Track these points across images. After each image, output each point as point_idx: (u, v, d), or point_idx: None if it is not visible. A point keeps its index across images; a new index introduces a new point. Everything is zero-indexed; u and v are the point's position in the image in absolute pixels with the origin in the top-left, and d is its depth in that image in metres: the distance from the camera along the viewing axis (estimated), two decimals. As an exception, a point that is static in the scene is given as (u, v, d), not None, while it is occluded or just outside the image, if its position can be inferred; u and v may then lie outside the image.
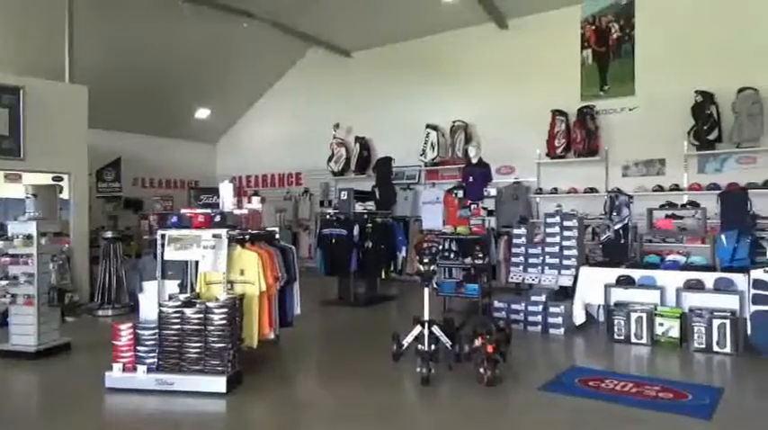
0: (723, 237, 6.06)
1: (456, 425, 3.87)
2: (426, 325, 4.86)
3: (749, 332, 5.41)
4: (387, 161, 10.96)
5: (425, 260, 5.02)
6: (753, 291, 5.40)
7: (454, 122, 10.61)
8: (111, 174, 11.49)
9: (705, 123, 8.22)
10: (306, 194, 12.84)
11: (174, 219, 4.85)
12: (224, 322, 4.35)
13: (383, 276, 8.69)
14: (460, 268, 7.61)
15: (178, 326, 4.39)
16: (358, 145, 11.89)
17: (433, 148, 10.69)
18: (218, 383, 4.29)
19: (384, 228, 8.68)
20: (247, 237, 5.16)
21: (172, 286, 4.73)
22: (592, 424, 3.83)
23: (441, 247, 7.52)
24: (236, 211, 5.25)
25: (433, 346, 4.81)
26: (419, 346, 4.80)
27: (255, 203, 5.78)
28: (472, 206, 7.84)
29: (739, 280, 5.64)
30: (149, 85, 11.39)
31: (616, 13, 9.36)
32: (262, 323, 4.97)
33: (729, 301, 5.63)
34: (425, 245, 5.28)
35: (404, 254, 8.95)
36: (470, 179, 9.03)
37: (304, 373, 5.22)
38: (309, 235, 12.26)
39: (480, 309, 7.12)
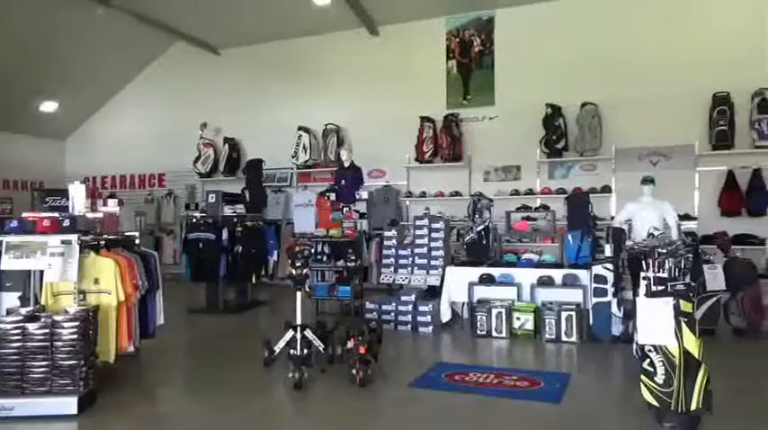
0: (569, 236, 6.71)
1: (328, 426, 3.87)
2: (298, 329, 4.81)
3: (591, 322, 6.04)
4: (257, 163, 10.70)
5: (298, 263, 4.96)
6: (594, 285, 6.03)
7: (327, 125, 10.64)
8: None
9: (554, 134, 9.04)
10: (170, 197, 12.12)
11: (14, 223, 4.33)
12: (75, 337, 3.95)
13: (254, 281, 8.45)
14: (333, 271, 7.63)
15: (19, 344, 3.91)
16: (227, 146, 11.49)
17: (306, 151, 10.63)
18: (69, 405, 3.89)
19: (255, 231, 8.46)
20: (102, 242, 4.75)
21: (11, 299, 4.21)
22: (458, 415, 4.03)
23: (313, 250, 7.49)
24: (90, 215, 4.81)
25: (305, 350, 4.77)
26: (291, 351, 4.74)
27: (112, 206, 5.32)
28: (344, 209, 7.90)
29: (583, 275, 6.27)
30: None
31: (477, 27, 9.98)
32: (120, 335, 4.60)
33: (575, 295, 6.24)
34: (297, 248, 5.20)
35: (275, 258, 8.79)
36: (342, 182, 9.10)
37: (167, 386, 4.90)
38: (174, 240, 11.60)
39: (353, 310, 7.19)
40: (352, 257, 7.21)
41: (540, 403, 4.21)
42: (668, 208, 6.43)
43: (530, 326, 6.24)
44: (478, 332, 6.36)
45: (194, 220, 8.34)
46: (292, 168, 11.02)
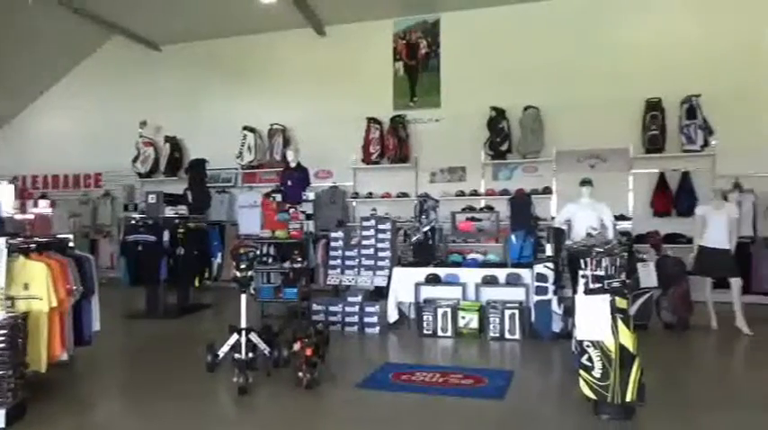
0: (513, 236, 6.89)
1: (275, 432, 3.82)
2: (243, 332, 4.72)
3: (533, 319, 6.21)
4: (200, 163, 10.43)
5: (242, 265, 4.87)
6: (535, 284, 6.20)
7: (272, 125, 10.49)
8: None
9: (498, 136, 9.24)
10: (107, 197, 11.64)
11: (-68, 226, 4.05)
12: (2, 346, 3.73)
13: (197, 284, 8.23)
14: (279, 272, 7.53)
15: (-63, 355, 3.66)
16: (168, 145, 11.15)
17: (251, 151, 10.45)
18: (-5, 418, 3.67)
19: (197, 233, 8.25)
20: (33, 245, 4.50)
21: (-72, 307, 3.93)
22: (404, 415, 4.06)
23: (258, 252, 7.37)
24: (19, 216, 4.56)
25: (250, 354, 4.68)
26: (236, 355, 4.64)
27: (43, 207, 5.08)
28: (290, 210, 7.81)
29: (525, 274, 6.43)
30: None
31: (424, 30, 10.09)
32: (52, 343, 4.37)
33: (518, 293, 6.40)
34: (242, 250, 5.10)
35: (219, 260, 8.61)
36: (289, 183, 8.99)
37: (103, 396, 4.70)
38: (111, 242, 11.15)
39: (299, 312, 7.12)
40: (299, 259, 7.14)
41: (484, 400, 4.29)
42: (605, 209, 6.70)
43: (474, 324, 6.35)
44: (425, 332, 6.43)
45: (133, 222, 8.05)
46: (237, 168, 10.81)
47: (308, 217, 8.72)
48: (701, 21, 8.67)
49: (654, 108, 8.57)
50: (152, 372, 5.22)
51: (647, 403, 3.76)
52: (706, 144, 8.29)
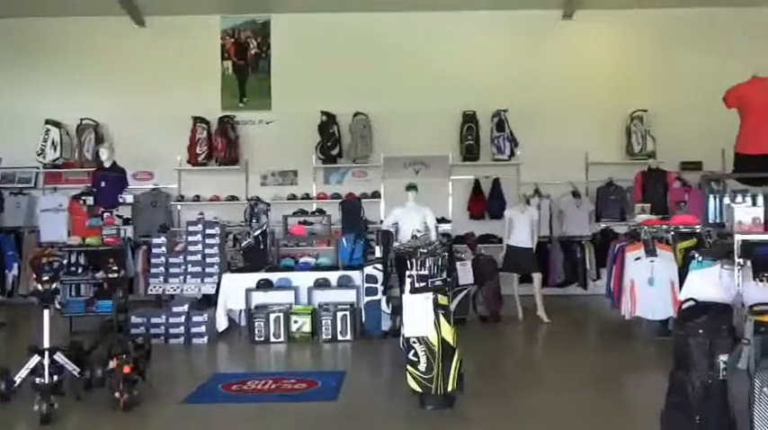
0: (344, 239, 7.06)
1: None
2: (46, 353, 4.17)
3: (364, 320, 6.41)
4: (-10, 160, 9.02)
5: (45, 277, 4.31)
6: (366, 285, 6.42)
7: (82, 120, 9.42)
8: None
9: (329, 140, 9.38)
10: None
11: None
12: None
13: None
14: (91, 284, 6.83)
15: None
16: (-54, 138, 9.46)
17: (55, 148, 9.26)
18: None
19: (-13, 241, 7.13)
20: None
21: None
22: (235, 426, 3.92)
23: (65, 262, 6.59)
24: None
25: (55, 377, 4.15)
26: (38, 379, 4.08)
27: None
28: (105, 214, 7.13)
29: (356, 276, 6.62)
30: None
31: (253, 30, 9.87)
32: None
33: (349, 295, 6.57)
34: (45, 260, 4.52)
35: (15, 272, 7.60)
36: (102, 184, 8.19)
37: None
38: None
39: (116, 326, 6.50)
40: (115, 268, 6.52)
41: (317, 403, 4.33)
42: (428, 212, 7.14)
43: (307, 328, 6.36)
44: (257, 338, 6.28)
45: None
46: (38, 167, 9.51)
47: (126, 222, 8.11)
48: (506, 44, 9.67)
49: (470, 120, 9.37)
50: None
51: (466, 391, 4.09)
52: (512, 154, 9.28)
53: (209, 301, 6.73)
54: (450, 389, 3.98)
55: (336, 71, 9.61)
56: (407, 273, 4.31)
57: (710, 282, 3.23)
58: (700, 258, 3.36)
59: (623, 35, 9.71)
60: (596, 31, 9.69)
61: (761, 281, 2.86)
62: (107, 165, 8.35)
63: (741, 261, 3.04)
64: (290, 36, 9.80)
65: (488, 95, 9.34)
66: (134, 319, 6.36)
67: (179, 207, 9.52)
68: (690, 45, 9.36)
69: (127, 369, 4.13)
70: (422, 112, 9.35)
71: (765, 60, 8.76)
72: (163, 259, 6.89)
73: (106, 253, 6.71)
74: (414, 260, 4.30)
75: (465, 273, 7.13)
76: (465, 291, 7.08)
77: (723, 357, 2.87)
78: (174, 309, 6.45)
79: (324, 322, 6.31)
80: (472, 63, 9.58)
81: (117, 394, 4.06)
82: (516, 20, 9.59)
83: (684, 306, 3.17)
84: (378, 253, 6.61)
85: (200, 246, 6.90)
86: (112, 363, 4.21)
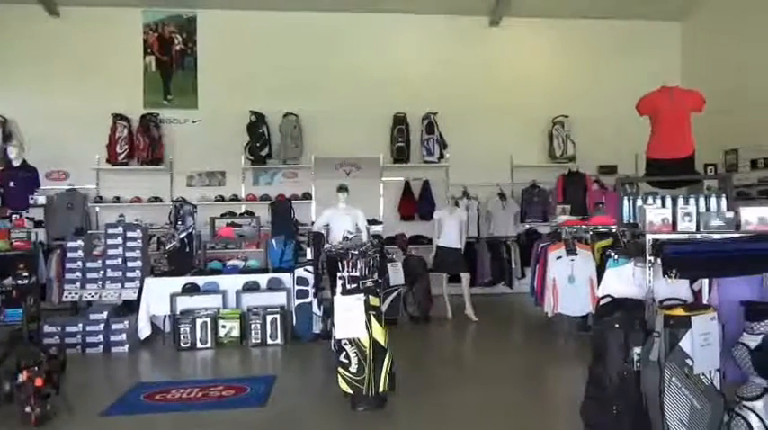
0: (274, 241, 6.94)
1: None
2: (-56, 368, 3.84)
3: (295, 323, 6.32)
4: None
5: (-57, 286, 3.97)
6: (296, 287, 6.34)
7: (-13, 116, 8.78)
8: None
9: (258, 141, 9.20)
10: None
11: None
12: None
13: None
14: (-2, 291, 6.36)
15: None
16: None
17: (-43, 145, 8.58)
18: None
19: None
20: None
21: None
22: (159, 438, 3.76)
23: (-32, 268, 6.12)
24: None
25: (-44, 393, 3.83)
26: (-67, 398, 3.75)
27: None
28: (14, 216, 6.68)
29: (287, 278, 6.53)
30: None
31: (178, 25, 9.52)
32: None
33: (279, 298, 6.46)
34: (-57, 266, 4.17)
35: None
36: (11, 184, 7.67)
37: None
38: None
39: (26, 336, 6.07)
40: (25, 274, 6.19)
41: (246, 409, 4.22)
42: (359, 213, 7.15)
43: (236, 332, 6.22)
44: (182, 345, 6.07)
45: None
46: (-65, 166, 8.77)
47: (38, 224, 7.65)
48: (436, 48, 9.83)
49: (401, 122, 9.46)
50: None
51: (397, 391, 4.12)
52: (442, 156, 9.46)
53: (130, 308, 6.43)
54: (381, 389, 4.00)
55: (266, 70, 9.44)
56: (338, 274, 4.29)
57: (625, 280, 3.41)
58: (615, 257, 3.53)
59: (547, 43, 10.12)
60: (521, 38, 10.04)
61: (669, 277, 3.04)
62: (16, 163, 7.84)
63: (652, 259, 3.22)
64: (217, 33, 9.53)
65: (419, 98, 9.47)
66: (47, 328, 5.99)
67: (97, 209, 9.05)
68: (608, 55, 9.90)
69: (39, 382, 3.87)
70: (353, 114, 9.36)
71: (674, 70, 9.53)
72: (79, 264, 6.54)
73: (15, 258, 6.34)
74: (345, 262, 4.29)
75: (396, 274, 7.20)
76: (396, 292, 7.15)
77: (637, 349, 3.04)
78: (92, 317, 6.12)
79: (253, 326, 6.18)
80: (403, 66, 9.68)
81: (28, 409, 3.81)
82: (446, 25, 9.80)
83: (602, 302, 3.34)
84: (309, 255, 6.54)
85: (120, 250, 6.61)
86: (22, 376, 3.93)
